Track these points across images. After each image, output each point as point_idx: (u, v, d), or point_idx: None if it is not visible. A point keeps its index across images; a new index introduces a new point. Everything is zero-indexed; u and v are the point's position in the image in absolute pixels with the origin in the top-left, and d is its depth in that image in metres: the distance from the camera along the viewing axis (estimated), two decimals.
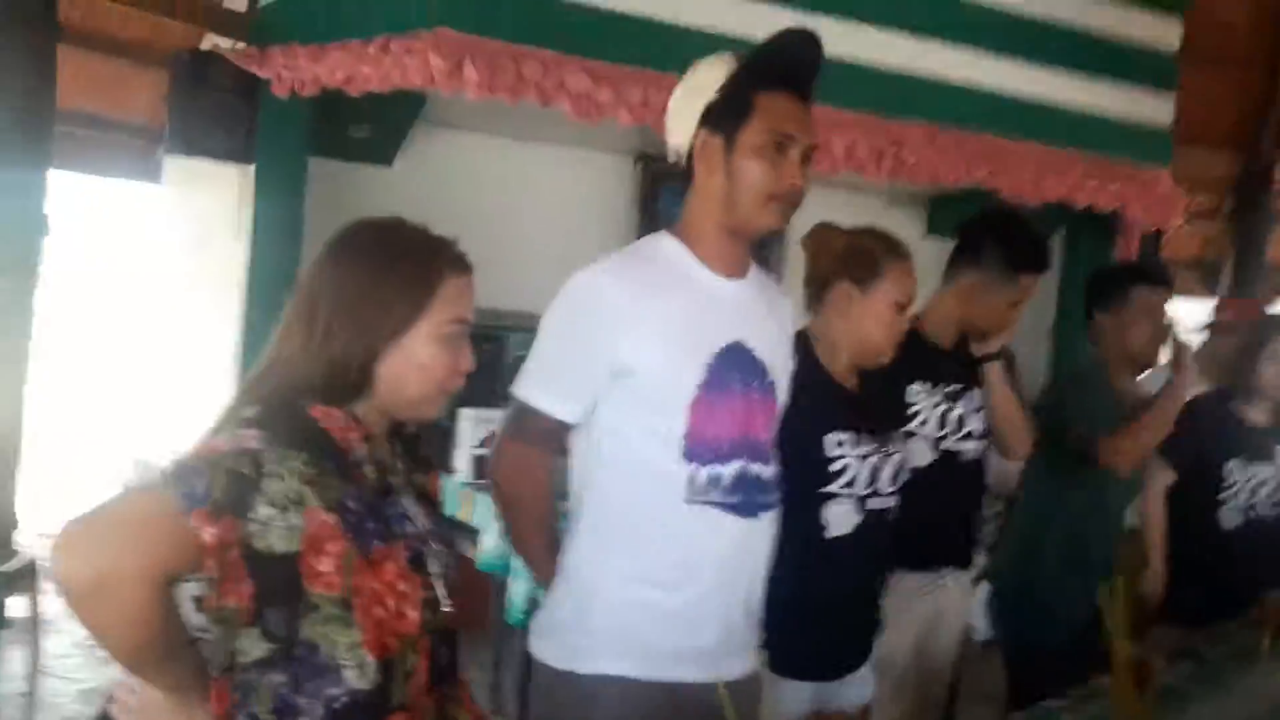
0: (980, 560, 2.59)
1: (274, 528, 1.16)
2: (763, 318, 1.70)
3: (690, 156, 1.63)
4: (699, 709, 1.54)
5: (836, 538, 1.89)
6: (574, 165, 5.39)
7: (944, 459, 2.26)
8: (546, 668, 1.62)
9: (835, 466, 1.88)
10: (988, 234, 2.39)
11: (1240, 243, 7.50)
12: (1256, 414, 2.95)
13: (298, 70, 3.87)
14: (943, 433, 2.27)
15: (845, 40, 4.08)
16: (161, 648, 1.17)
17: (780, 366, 1.70)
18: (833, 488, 1.88)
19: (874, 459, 1.92)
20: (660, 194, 5.41)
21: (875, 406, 2.01)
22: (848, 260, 1.93)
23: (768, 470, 1.66)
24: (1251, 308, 3.17)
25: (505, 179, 5.36)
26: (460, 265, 1.35)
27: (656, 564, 1.58)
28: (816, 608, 1.89)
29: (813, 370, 1.91)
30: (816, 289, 1.97)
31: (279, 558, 1.17)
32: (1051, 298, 5.65)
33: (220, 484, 1.14)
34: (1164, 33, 5.74)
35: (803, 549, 1.80)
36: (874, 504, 1.93)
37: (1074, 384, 2.83)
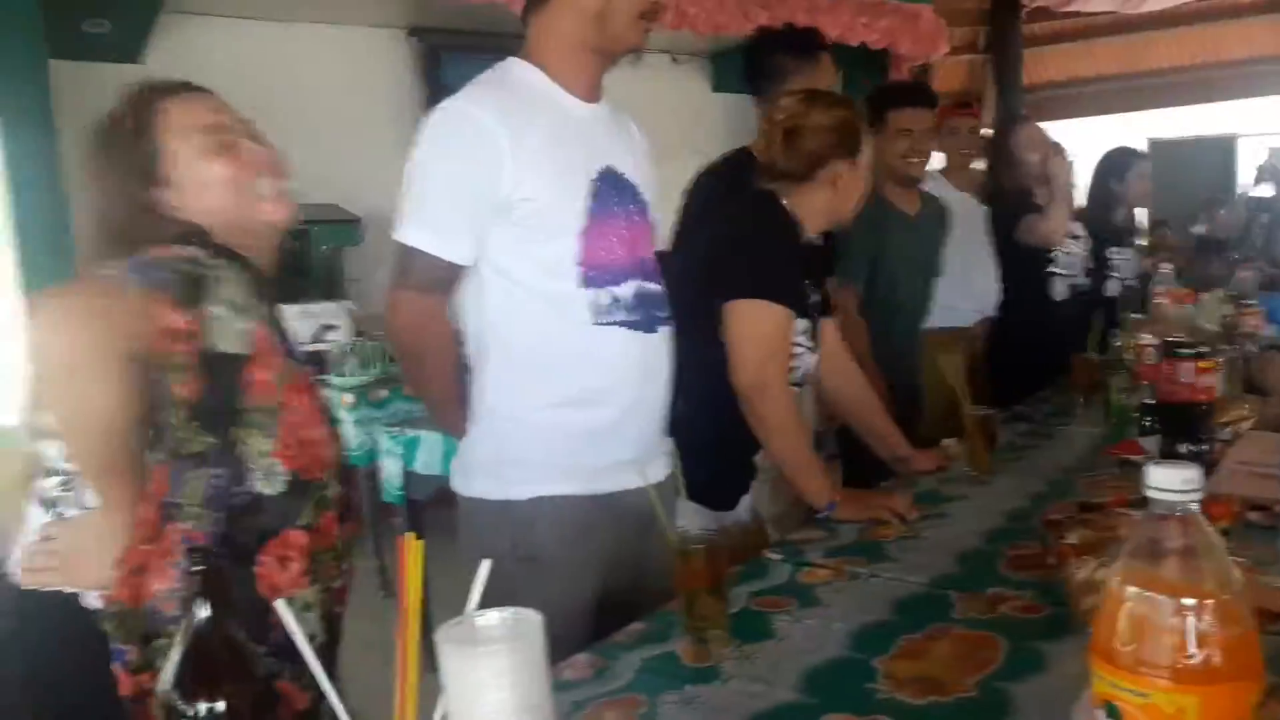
0: None
1: (228, 328, 1.22)
2: (625, 142, 1.69)
3: None
4: (632, 513, 1.59)
5: None
6: (343, 44, 5.08)
7: None
8: (481, 502, 1.61)
9: (794, 350, 1.94)
10: (769, 43, 2.50)
11: (998, 72, 7.96)
12: (1042, 196, 3.25)
13: None
14: None
15: None
16: (120, 435, 1.18)
17: (648, 188, 1.70)
18: None
19: (808, 344, 1.99)
20: (441, 64, 5.18)
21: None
22: (840, 137, 1.94)
23: (658, 287, 1.69)
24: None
25: (270, 65, 4.99)
26: (170, 91, 1.38)
27: (574, 387, 1.59)
28: (741, 449, 1.97)
29: (799, 244, 1.94)
30: (805, 167, 1.94)
31: (230, 358, 1.22)
32: None
33: (177, 279, 1.19)
34: None
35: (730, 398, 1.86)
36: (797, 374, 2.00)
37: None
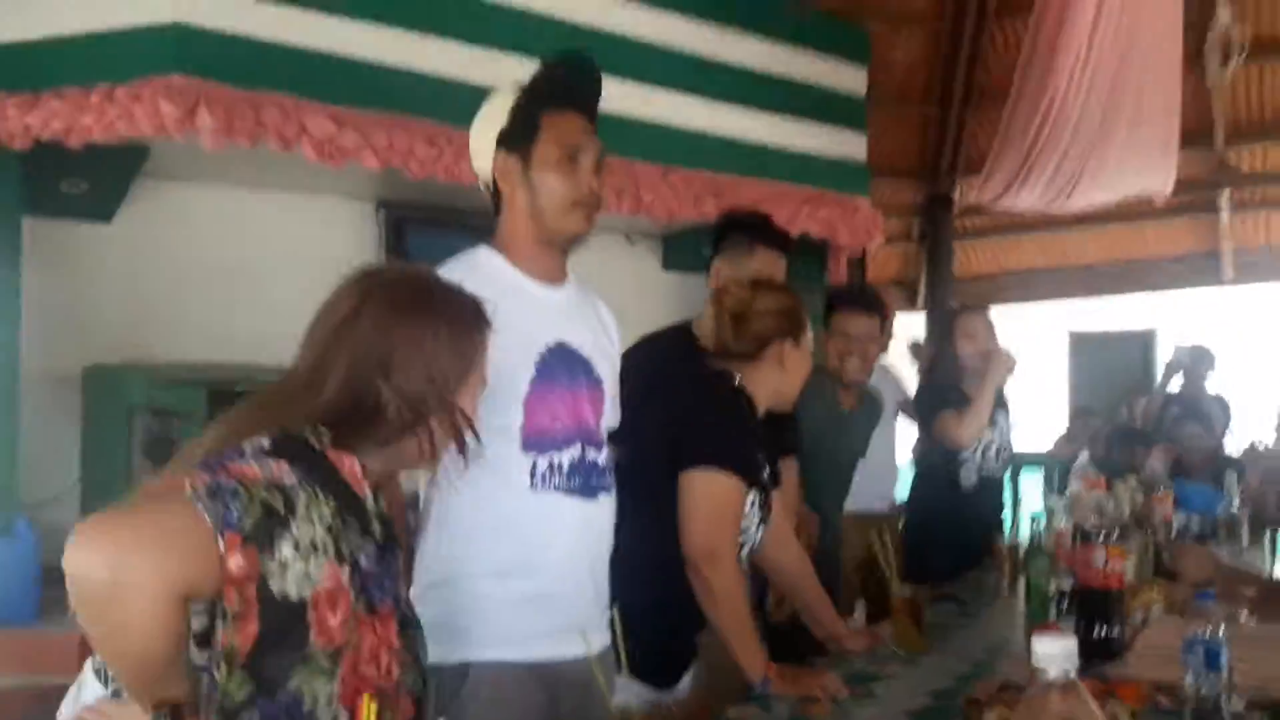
0: None
1: (292, 572, 1.12)
2: (586, 320, 1.85)
3: (495, 181, 1.77)
4: (569, 682, 1.65)
5: None
6: (312, 213, 5.25)
7: None
8: None
9: (742, 524, 2.04)
10: (727, 223, 2.75)
11: (929, 261, 8.42)
12: (971, 390, 3.36)
13: (6, 121, 3.58)
14: None
15: None
16: (162, 666, 1.10)
17: (604, 362, 1.83)
18: None
19: (758, 517, 2.09)
20: (406, 238, 5.38)
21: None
22: (784, 320, 2.10)
23: (602, 455, 1.79)
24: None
25: (240, 231, 5.14)
26: (489, 325, 1.39)
27: (508, 552, 1.66)
28: (686, 625, 2.04)
29: (755, 420, 2.08)
30: (753, 347, 2.09)
31: (292, 604, 1.12)
32: None
33: (254, 514, 1.09)
34: (853, 80, 6.45)
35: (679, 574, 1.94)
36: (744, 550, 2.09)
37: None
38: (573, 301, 1.84)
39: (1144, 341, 9.01)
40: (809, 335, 2.16)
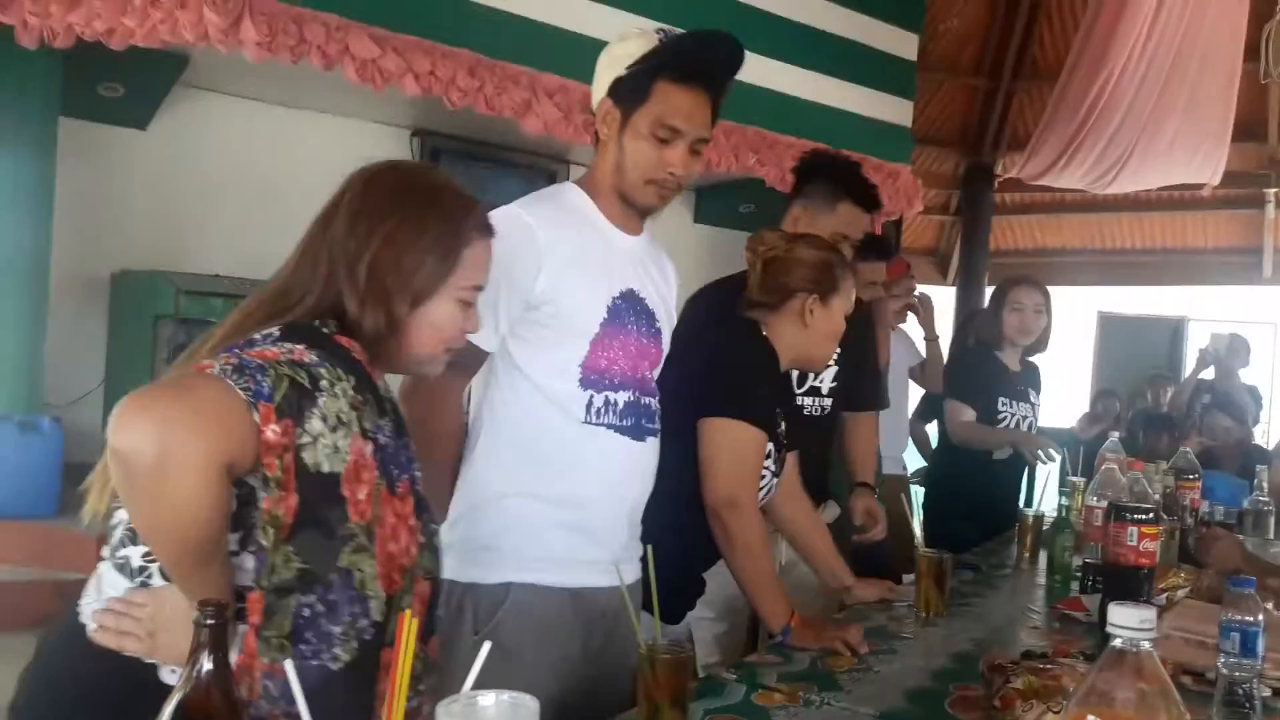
0: None
1: (322, 444, 1.13)
2: (654, 274, 1.83)
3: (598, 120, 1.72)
4: (599, 611, 1.67)
5: None
6: (347, 135, 5.23)
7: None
8: (449, 583, 1.62)
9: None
10: (814, 166, 2.51)
11: (966, 234, 8.32)
12: (1010, 360, 3.36)
13: (48, 18, 3.54)
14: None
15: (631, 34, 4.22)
16: (209, 544, 1.10)
17: (665, 318, 1.82)
18: None
19: (773, 470, 2.07)
20: (441, 165, 5.34)
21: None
22: (815, 274, 2.02)
23: (654, 402, 1.78)
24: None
25: (274, 148, 5.13)
26: (487, 230, 1.34)
27: (555, 480, 1.66)
28: (699, 563, 2.04)
29: (778, 374, 2.04)
30: (777, 297, 2.03)
31: (325, 477, 1.13)
32: None
33: (282, 388, 1.10)
34: (904, 45, 6.32)
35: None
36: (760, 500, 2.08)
37: None
38: (645, 252, 1.82)
39: (1174, 328, 8.89)
40: (844, 298, 2.05)
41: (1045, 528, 2.64)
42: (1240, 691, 1.51)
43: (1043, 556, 2.60)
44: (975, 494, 3.19)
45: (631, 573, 1.74)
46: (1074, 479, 2.82)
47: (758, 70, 5.20)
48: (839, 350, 2.20)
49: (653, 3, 4.05)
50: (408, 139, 5.46)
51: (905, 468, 3.88)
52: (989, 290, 7.83)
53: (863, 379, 2.28)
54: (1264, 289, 8.65)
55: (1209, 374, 5.65)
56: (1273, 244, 8.26)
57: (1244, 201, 8.12)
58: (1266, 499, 3.14)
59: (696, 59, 1.69)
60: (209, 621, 0.92)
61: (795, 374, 2.38)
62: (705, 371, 2.01)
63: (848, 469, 2.72)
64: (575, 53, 4.08)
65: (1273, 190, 7.91)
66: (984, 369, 3.36)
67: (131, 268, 4.70)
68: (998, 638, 1.94)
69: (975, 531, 2.93)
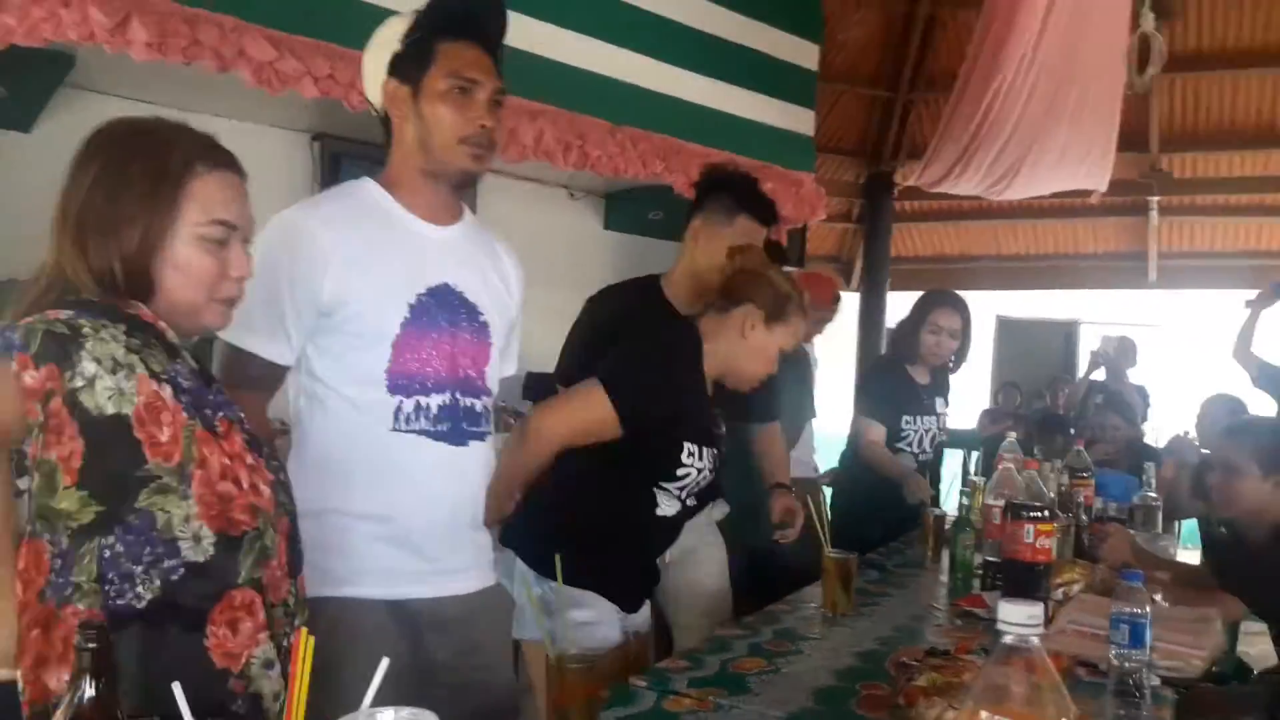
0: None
1: (101, 387, 1.14)
2: (477, 262, 1.76)
3: (385, 110, 1.69)
4: (436, 622, 1.64)
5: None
6: (244, 140, 4.96)
7: None
8: None
9: (679, 471, 2.04)
10: (712, 181, 2.53)
11: (868, 241, 8.49)
12: (919, 375, 3.45)
13: None
14: None
15: (538, 38, 4.20)
16: (5, 521, 1.11)
17: (494, 307, 1.76)
18: (669, 486, 2.07)
19: (708, 466, 2.09)
20: (341, 169, 5.24)
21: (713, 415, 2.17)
22: (771, 298, 2.05)
23: (479, 403, 1.72)
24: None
25: None
26: (213, 159, 1.28)
27: (366, 492, 1.62)
28: (636, 545, 2.12)
29: (696, 370, 2.06)
30: (729, 302, 2.07)
31: (110, 419, 1.14)
32: None
33: (36, 337, 1.11)
34: (805, 55, 6.44)
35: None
36: (691, 502, 2.12)
37: None
38: (463, 241, 1.75)
39: (1066, 331, 9.24)
40: (787, 331, 2.08)
41: (947, 527, 2.71)
42: (1130, 681, 1.56)
43: (945, 555, 2.66)
44: (881, 494, 3.25)
45: (475, 580, 1.72)
46: (975, 478, 2.90)
47: (665, 78, 5.23)
48: None
49: (549, 8, 4.05)
50: (307, 143, 5.33)
51: (817, 469, 3.91)
52: (890, 296, 8.08)
53: (753, 395, 2.34)
54: (1149, 293, 9.04)
55: (1100, 375, 5.86)
56: (1156, 249, 8.63)
57: (1129, 209, 8.46)
58: (1155, 495, 3.27)
59: (468, 13, 1.68)
60: (90, 645, 0.88)
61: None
62: (610, 349, 2.07)
63: (763, 475, 2.76)
64: None
65: (1155, 198, 8.26)
66: (891, 386, 3.45)
67: (18, 276, 4.49)
68: (902, 636, 1.97)
69: (881, 531, 2.99)
